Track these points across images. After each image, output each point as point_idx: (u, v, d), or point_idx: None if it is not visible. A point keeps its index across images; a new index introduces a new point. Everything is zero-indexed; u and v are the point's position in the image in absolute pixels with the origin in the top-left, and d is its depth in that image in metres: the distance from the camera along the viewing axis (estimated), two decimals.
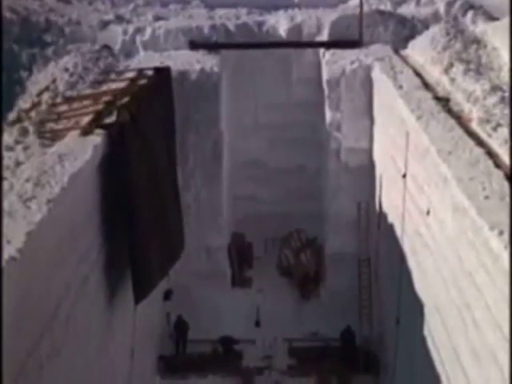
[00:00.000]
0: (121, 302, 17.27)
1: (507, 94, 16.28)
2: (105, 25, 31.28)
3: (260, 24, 27.88)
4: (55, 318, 11.94)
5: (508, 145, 13.67)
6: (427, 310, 15.52)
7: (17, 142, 15.07)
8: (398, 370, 18.90)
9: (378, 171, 22.57)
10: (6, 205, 11.51)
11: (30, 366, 10.53)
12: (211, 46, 26.62)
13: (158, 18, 30.47)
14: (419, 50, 22.93)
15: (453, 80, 18.52)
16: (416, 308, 16.19)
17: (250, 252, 27.43)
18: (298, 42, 27.14)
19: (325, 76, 24.85)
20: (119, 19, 31.78)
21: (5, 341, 9.14)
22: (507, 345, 9.97)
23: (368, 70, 23.47)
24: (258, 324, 25.02)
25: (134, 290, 17.04)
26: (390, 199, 20.28)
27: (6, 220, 10.87)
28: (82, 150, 14.50)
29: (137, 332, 18.40)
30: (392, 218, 19.96)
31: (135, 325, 18.21)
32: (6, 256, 9.60)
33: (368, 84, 23.48)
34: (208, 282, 24.94)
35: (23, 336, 10.24)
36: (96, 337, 15.23)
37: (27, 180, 12.78)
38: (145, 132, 17.59)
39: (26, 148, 14.78)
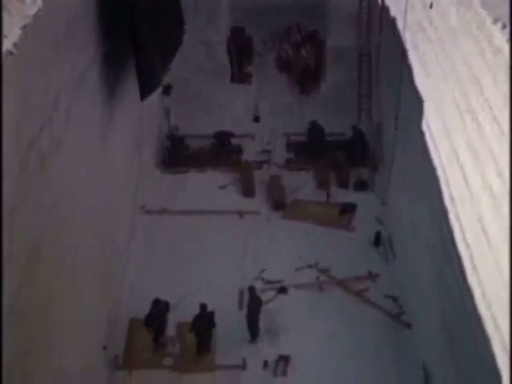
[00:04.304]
0: (121, 97, 17.31)
1: None
2: None
3: None
4: (54, 111, 11.99)
5: None
6: (427, 106, 15.57)
7: None
8: (395, 163, 19.23)
9: None
10: None
11: (32, 159, 10.68)
12: None
13: None
14: None
15: None
16: (415, 104, 16.23)
17: (249, 46, 26.90)
18: None
19: None
20: None
21: (5, 136, 9.25)
22: (503, 140, 10.08)
23: None
24: (257, 119, 25.17)
25: (140, 86, 16.93)
26: None
27: None
28: None
29: (137, 127, 18.62)
30: (394, 11, 19.57)
31: (142, 120, 18.34)
32: (3, 50, 9.52)
33: None
34: (207, 77, 24.81)
35: (23, 130, 10.33)
36: (97, 130, 15.38)
37: None
38: None
39: None
